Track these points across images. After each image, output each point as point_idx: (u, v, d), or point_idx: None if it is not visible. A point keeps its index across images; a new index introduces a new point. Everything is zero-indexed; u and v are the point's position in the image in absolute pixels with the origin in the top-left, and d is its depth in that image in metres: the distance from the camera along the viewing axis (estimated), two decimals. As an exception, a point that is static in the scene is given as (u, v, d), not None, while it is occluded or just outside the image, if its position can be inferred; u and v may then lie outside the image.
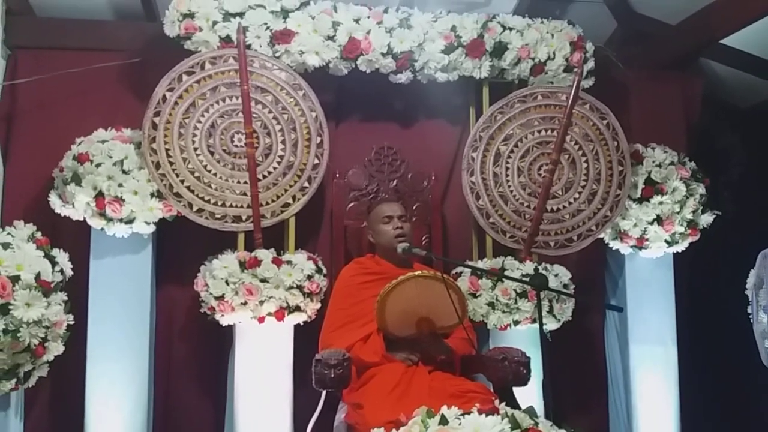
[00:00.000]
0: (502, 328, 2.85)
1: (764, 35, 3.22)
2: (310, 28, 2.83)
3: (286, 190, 2.82)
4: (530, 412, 1.69)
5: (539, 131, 3.03)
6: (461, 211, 3.11)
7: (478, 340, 2.69)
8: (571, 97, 3.01)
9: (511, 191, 3.00)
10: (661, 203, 3.05)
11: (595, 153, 3.05)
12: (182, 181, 2.71)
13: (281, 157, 2.81)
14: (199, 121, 2.74)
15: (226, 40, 2.78)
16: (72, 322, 2.35)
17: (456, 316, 2.37)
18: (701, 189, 3.13)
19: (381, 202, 2.87)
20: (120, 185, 2.63)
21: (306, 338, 2.73)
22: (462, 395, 2.20)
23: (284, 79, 2.83)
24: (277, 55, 2.83)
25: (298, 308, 2.69)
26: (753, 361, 2.77)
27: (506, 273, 2.82)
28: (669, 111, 3.47)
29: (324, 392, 2.36)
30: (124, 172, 2.66)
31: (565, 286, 2.93)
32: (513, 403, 2.18)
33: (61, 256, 2.36)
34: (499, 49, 3.00)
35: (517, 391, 2.39)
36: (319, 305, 2.76)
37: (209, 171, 2.74)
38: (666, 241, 3.08)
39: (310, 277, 2.70)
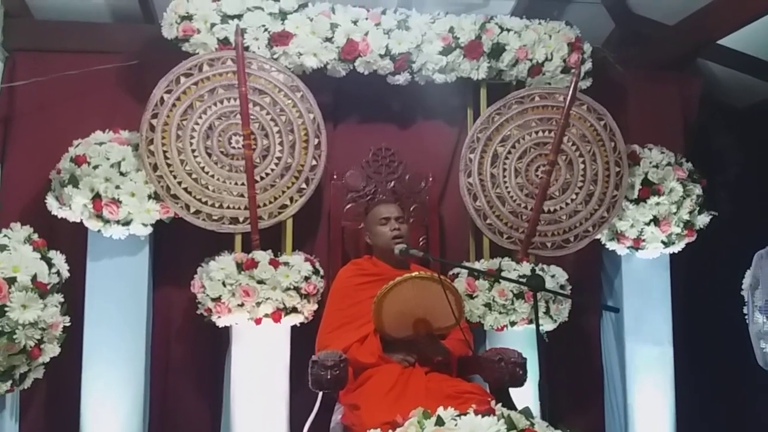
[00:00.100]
0: (498, 329, 2.85)
1: (761, 36, 3.22)
2: (308, 30, 2.84)
3: (283, 192, 2.82)
4: (526, 412, 1.69)
5: (536, 132, 3.03)
6: (458, 212, 3.12)
7: (474, 341, 2.70)
8: (569, 98, 3.01)
9: (509, 192, 3.00)
10: (657, 204, 3.05)
11: (593, 154, 3.05)
12: (179, 183, 2.72)
13: (279, 158, 2.81)
14: (197, 123, 2.75)
15: (224, 42, 2.79)
16: (68, 324, 2.35)
17: (453, 318, 2.37)
18: (698, 190, 3.13)
19: (378, 203, 2.88)
20: (117, 187, 2.64)
21: (303, 339, 2.73)
22: (458, 396, 2.21)
23: (282, 80, 2.83)
24: (275, 56, 2.83)
25: (295, 310, 2.69)
26: (749, 361, 2.78)
27: (503, 274, 2.83)
28: (666, 112, 3.47)
29: (321, 393, 2.36)
30: (121, 174, 2.66)
31: (562, 287, 2.93)
32: (509, 404, 2.20)
33: (58, 258, 2.37)
34: (497, 51, 3.01)
35: (514, 392, 2.39)
36: (316, 306, 2.77)
37: (207, 173, 2.75)
38: (663, 242, 3.09)
39: (307, 279, 2.70)
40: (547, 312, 2.88)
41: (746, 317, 2.80)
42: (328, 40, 2.85)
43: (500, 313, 2.84)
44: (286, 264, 2.69)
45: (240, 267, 2.63)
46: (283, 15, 2.83)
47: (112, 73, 2.98)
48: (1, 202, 2.90)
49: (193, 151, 2.74)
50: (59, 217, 2.70)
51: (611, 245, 3.16)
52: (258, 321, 2.64)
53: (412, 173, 3.08)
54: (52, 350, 2.28)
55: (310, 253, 2.90)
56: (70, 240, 2.72)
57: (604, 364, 3.39)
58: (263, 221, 2.79)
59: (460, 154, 3.04)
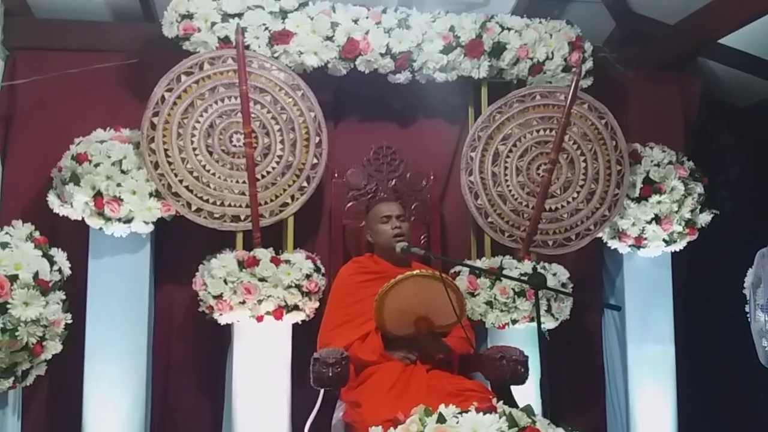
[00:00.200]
0: (500, 327, 2.85)
1: (762, 35, 3.22)
2: (309, 29, 2.84)
3: (284, 190, 2.83)
4: (528, 410, 1.69)
5: (538, 131, 3.03)
6: (460, 210, 3.12)
7: (476, 339, 2.70)
8: (570, 96, 3.01)
9: (510, 191, 3.00)
10: (659, 202, 3.05)
11: (594, 152, 3.05)
12: (181, 181, 2.72)
13: (280, 156, 2.82)
14: (198, 121, 2.75)
15: (224, 41, 2.79)
16: (70, 321, 2.36)
17: (454, 315, 2.37)
18: (699, 188, 3.13)
19: (379, 201, 2.88)
20: (118, 185, 2.64)
21: (304, 337, 2.73)
22: (460, 394, 2.21)
23: (283, 79, 2.83)
24: (275, 55, 2.84)
25: (296, 307, 2.69)
26: (751, 360, 2.78)
27: (505, 272, 2.83)
28: (667, 110, 3.47)
29: (322, 391, 2.36)
30: (122, 171, 2.66)
31: (564, 285, 2.93)
32: (511, 402, 2.19)
33: (60, 256, 2.37)
34: (498, 49, 3.01)
35: (515, 390, 2.39)
36: (317, 304, 2.77)
37: (208, 171, 2.75)
38: (664, 241, 3.09)
39: (308, 276, 2.70)
40: (548, 310, 2.88)
41: (748, 315, 2.80)
42: (329, 38, 2.85)
43: (502, 311, 2.84)
44: (287, 262, 2.69)
45: (241, 265, 2.64)
46: (283, 14, 2.83)
47: (112, 71, 2.98)
48: (3, 199, 2.90)
49: (195, 149, 2.74)
50: (61, 214, 2.70)
51: (613, 243, 3.16)
52: (259, 318, 2.65)
53: (413, 171, 3.08)
54: (54, 347, 2.29)
55: (312, 251, 2.90)
56: (71, 238, 2.73)
57: (606, 362, 3.39)
58: (264, 219, 2.80)
59: (461, 152, 3.04)
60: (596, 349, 3.38)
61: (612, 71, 3.33)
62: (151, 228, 2.74)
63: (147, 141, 2.69)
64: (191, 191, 2.73)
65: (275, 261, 2.67)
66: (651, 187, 3.07)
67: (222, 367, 2.93)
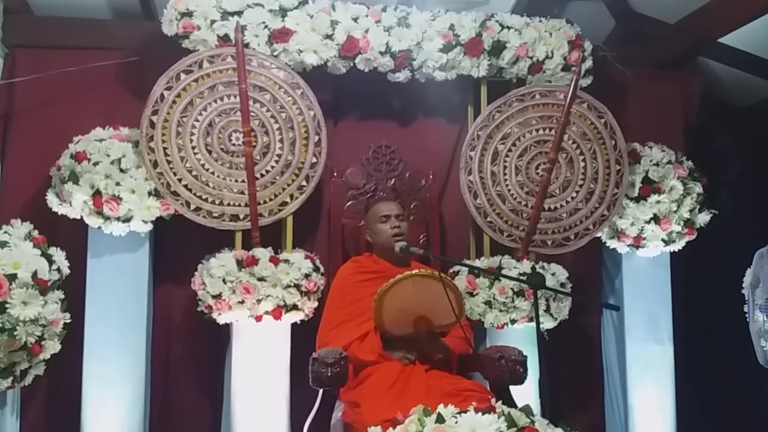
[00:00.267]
0: (499, 327, 2.85)
1: (762, 34, 3.22)
2: (309, 27, 2.83)
3: (283, 189, 2.82)
4: (527, 410, 1.70)
5: (537, 130, 3.03)
6: (459, 209, 3.11)
7: (475, 339, 2.70)
8: (569, 95, 3.01)
9: (509, 190, 3.00)
10: (658, 202, 3.05)
11: (593, 152, 3.05)
12: (180, 180, 2.71)
13: (279, 155, 2.81)
14: (197, 120, 2.74)
15: (224, 39, 2.78)
16: (69, 321, 2.36)
17: (453, 315, 2.37)
18: (698, 188, 3.14)
19: (378, 201, 2.88)
20: (117, 184, 2.63)
21: (303, 337, 2.73)
22: (459, 394, 2.21)
23: (282, 77, 2.83)
24: (275, 53, 2.83)
25: (295, 307, 2.69)
26: (749, 360, 2.78)
27: (503, 272, 2.83)
28: (667, 110, 3.47)
29: (321, 390, 2.36)
30: (121, 170, 2.66)
31: (562, 284, 2.93)
32: (509, 402, 2.20)
33: (58, 255, 2.37)
34: (498, 48, 3.00)
35: (514, 390, 2.39)
36: (316, 304, 2.77)
37: (207, 170, 2.74)
38: (663, 240, 3.09)
39: (307, 276, 2.70)
40: (547, 310, 2.88)
41: (747, 315, 2.80)
42: (329, 37, 2.85)
43: (501, 310, 2.84)
44: (286, 261, 2.69)
45: (240, 264, 2.63)
46: (283, 12, 2.82)
47: (112, 69, 2.97)
48: (2, 198, 2.90)
49: (194, 148, 2.74)
50: (59, 213, 2.69)
51: (612, 243, 3.16)
52: (258, 318, 2.65)
53: (412, 171, 3.07)
54: (52, 347, 2.29)
55: (311, 251, 2.90)
56: (70, 237, 2.73)
57: (605, 362, 3.39)
58: (263, 218, 2.79)
59: (460, 151, 3.03)
60: (595, 349, 3.39)
61: (612, 70, 3.33)
62: (149, 227, 2.74)
63: (146, 139, 2.68)
64: (190, 190, 2.72)
65: (274, 260, 2.67)
66: (650, 187, 3.07)
67: (221, 367, 2.92)
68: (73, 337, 2.56)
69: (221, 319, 2.68)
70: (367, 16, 2.89)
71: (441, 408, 1.67)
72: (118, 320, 2.72)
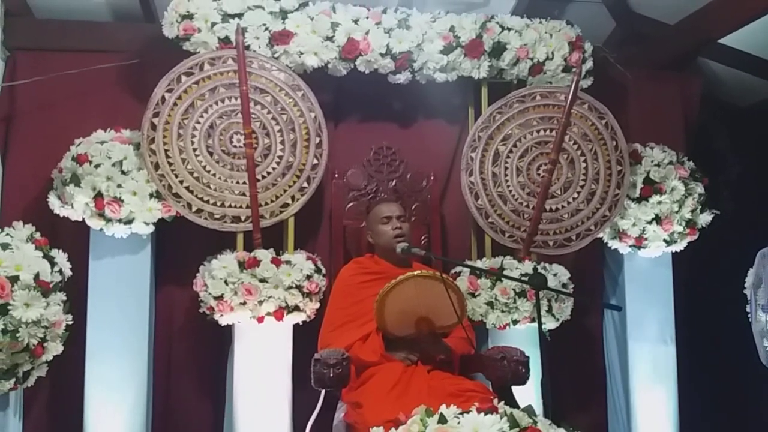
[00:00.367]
0: (501, 328, 2.85)
1: (762, 35, 3.22)
2: (309, 29, 2.84)
3: (285, 191, 2.82)
4: (529, 411, 1.69)
5: (538, 131, 3.03)
6: (460, 210, 3.12)
7: (477, 340, 2.69)
8: (570, 96, 3.01)
9: (510, 191, 3.00)
10: (659, 203, 3.05)
11: (594, 153, 3.05)
12: (181, 182, 2.72)
13: (280, 157, 2.81)
14: (198, 122, 2.75)
15: (224, 41, 2.79)
16: (71, 322, 2.36)
17: (455, 316, 2.37)
18: (700, 188, 3.13)
19: (380, 202, 2.88)
20: (119, 186, 2.64)
21: (305, 338, 2.73)
22: (461, 394, 2.21)
23: (283, 79, 2.83)
24: (275, 55, 2.83)
25: (297, 308, 2.69)
26: (751, 360, 2.78)
27: (505, 272, 2.83)
28: (667, 111, 3.47)
29: (323, 391, 2.35)
30: (123, 172, 2.66)
31: (564, 285, 2.93)
32: (512, 402, 2.19)
33: (60, 257, 2.37)
34: (498, 50, 3.01)
35: (516, 390, 2.39)
36: (318, 305, 2.77)
37: (208, 171, 2.75)
38: (665, 241, 3.09)
39: (309, 277, 2.70)
40: (549, 310, 2.88)
41: (749, 316, 2.80)
42: (329, 39, 2.85)
43: (502, 311, 2.84)
44: (288, 262, 2.69)
45: (242, 266, 2.63)
46: (283, 14, 2.83)
47: (113, 72, 2.98)
48: (4, 201, 2.90)
49: (195, 149, 2.74)
50: (61, 215, 2.70)
51: (613, 244, 3.16)
52: (260, 319, 2.65)
53: (413, 172, 3.08)
54: (55, 348, 2.29)
55: (312, 252, 2.90)
56: (72, 238, 2.73)
57: (607, 362, 3.39)
58: (265, 220, 2.79)
59: (461, 152, 3.03)
60: (597, 350, 3.38)
61: (612, 71, 3.33)
62: (151, 229, 2.74)
63: (147, 142, 2.69)
64: (192, 192, 2.73)
65: (276, 262, 2.67)
66: (651, 188, 3.07)
67: (223, 368, 2.92)
68: (76, 338, 2.56)
69: (223, 321, 2.68)
70: (367, 18, 2.89)
71: (443, 408, 1.67)
72: (120, 322, 2.73)
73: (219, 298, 2.62)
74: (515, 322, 2.85)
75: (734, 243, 3.21)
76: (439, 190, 3.13)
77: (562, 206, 3.02)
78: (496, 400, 1.88)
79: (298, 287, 2.67)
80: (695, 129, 3.54)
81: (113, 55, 2.97)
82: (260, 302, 2.62)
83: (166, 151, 2.71)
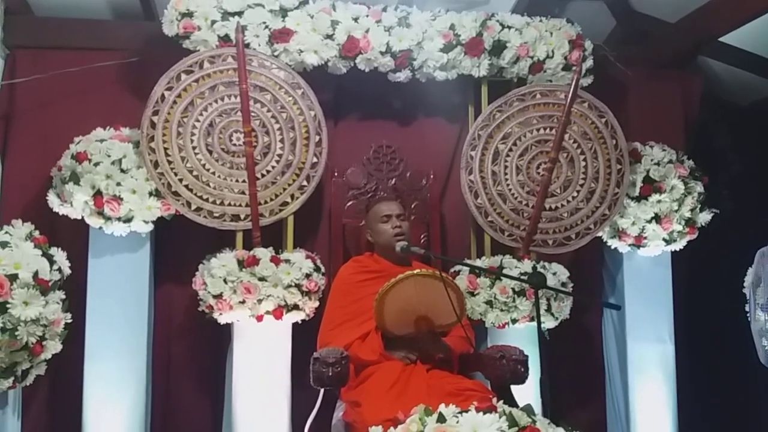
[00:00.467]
0: (500, 327, 2.85)
1: (763, 33, 3.22)
2: (309, 27, 2.84)
3: (284, 189, 2.82)
4: (528, 410, 1.69)
5: (538, 129, 3.03)
6: (460, 209, 3.11)
7: (476, 339, 2.69)
8: (570, 95, 3.01)
9: (510, 190, 3.00)
10: (659, 201, 3.05)
11: (594, 151, 3.05)
12: (180, 180, 2.72)
13: (280, 155, 2.81)
14: (198, 120, 2.74)
15: (224, 39, 2.79)
16: (70, 321, 2.36)
17: (454, 315, 2.37)
18: (699, 187, 3.13)
19: (379, 200, 2.87)
20: (118, 184, 2.64)
21: (304, 336, 2.73)
22: (460, 393, 2.21)
23: (283, 77, 2.83)
24: (275, 54, 2.83)
25: (296, 307, 2.69)
26: (751, 359, 2.78)
27: (504, 271, 2.83)
28: (668, 109, 3.47)
29: (322, 390, 2.36)
30: (122, 170, 2.66)
31: (564, 284, 2.93)
32: (511, 401, 2.19)
33: (59, 255, 2.37)
34: (498, 48, 3.00)
35: (515, 389, 2.39)
36: (317, 304, 2.77)
37: (208, 170, 2.75)
38: (664, 240, 3.09)
39: (308, 276, 2.70)
40: (548, 309, 2.88)
41: (748, 315, 2.80)
42: (329, 37, 2.85)
43: (502, 310, 2.84)
44: (287, 261, 2.69)
45: (241, 264, 2.63)
46: (283, 12, 2.82)
47: (112, 70, 2.98)
48: (3, 199, 2.90)
49: (194, 148, 2.74)
50: (60, 214, 2.70)
51: (613, 243, 3.16)
52: (259, 318, 2.65)
53: (413, 170, 3.07)
54: (53, 347, 2.29)
55: (312, 251, 2.90)
56: (71, 237, 2.73)
57: (606, 361, 3.39)
58: (264, 218, 2.79)
59: (461, 151, 3.03)
60: (596, 349, 3.38)
61: (612, 70, 3.33)
62: (150, 227, 2.74)
63: (147, 140, 2.69)
64: (191, 190, 2.73)
65: (275, 260, 2.67)
66: (651, 186, 3.07)
67: (222, 367, 2.92)
68: (74, 337, 2.56)
69: (222, 319, 2.68)
70: (367, 16, 2.89)
71: (442, 407, 1.67)
72: (119, 320, 2.73)
73: (218, 296, 2.62)
74: (514, 321, 2.85)
75: (734, 242, 3.21)
76: (438, 189, 3.13)
77: (562, 205, 3.02)
78: (495, 399, 1.88)
79: (298, 286, 2.67)
80: (695, 128, 3.54)
81: (113, 53, 2.97)
82: (259, 301, 2.63)
83: (165, 149, 2.71)
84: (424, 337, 2.45)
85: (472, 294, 2.86)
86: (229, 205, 2.76)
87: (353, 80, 2.99)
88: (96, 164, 2.63)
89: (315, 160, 2.84)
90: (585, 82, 3.10)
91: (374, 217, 2.75)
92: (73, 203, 2.64)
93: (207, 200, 2.74)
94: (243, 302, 2.62)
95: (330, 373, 2.23)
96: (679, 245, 3.14)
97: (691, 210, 3.09)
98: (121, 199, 2.63)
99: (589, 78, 3.12)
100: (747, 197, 3.65)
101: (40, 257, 2.25)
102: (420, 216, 3.03)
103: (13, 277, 2.14)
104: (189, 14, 2.75)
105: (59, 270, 2.32)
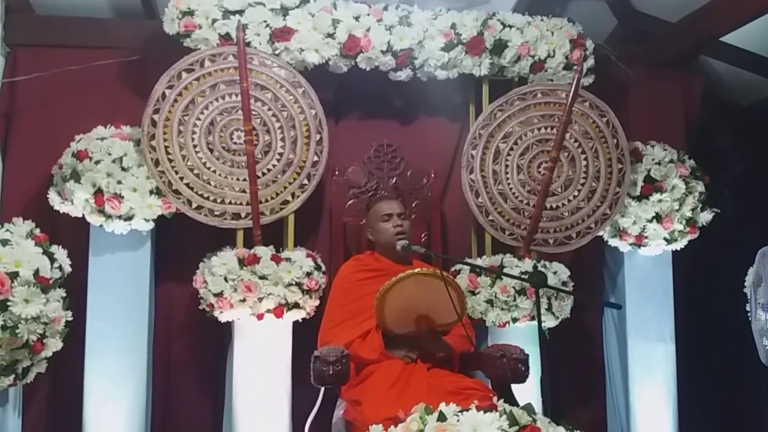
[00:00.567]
0: (500, 326, 2.85)
1: (764, 33, 3.22)
2: (310, 26, 2.83)
3: (285, 188, 2.82)
4: (528, 408, 1.69)
5: (539, 129, 3.03)
6: (460, 208, 3.11)
7: (476, 337, 2.69)
8: (571, 94, 3.01)
9: (511, 189, 3.00)
10: (660, 201, 3.05)
11: (595, 150, 3.05)
12: (181, 179, 2.72)
13: (280, 154, 2.81)
14: (199, 119, 2.74)
15: (225, 38, 2.79)
16: (70, 319, 2.36)
17: (455, 314, 2.37)
18: (700, 187, 3.13)
19: (380, 199, 2.87)
20: (119, 182, 2.64)
21: (305, 335, 2.73)
22: (460, 392, 2.21)
23: (284, 76, 2.83)
24: (276, 52, 2.83)
25: (296, 305, 2.69)
26: (751, 358, 2.78)
27: (505, 270, 2.83)
28: (669, 109, 3.47)
29: (322, 389, 2.36)
30: (123, 169, 2.66)
31: (564, 283, 2.93)
32: (511, 400, 2.20)
33: (60, 253, 2.37)
34: (499, 47, 3.00)
35: (516, 388, 2.39)
36: (317, 302, 2.77)
37: (208, 168, 2.75)
38: (665, 239, 3.09)
39: (309, 274, 2.70)
40: (549, 308, 2.88)
41: (749, 314, 2.79)
42: (330, 36, 2.85)
43: (502, 309, 2.84)
44: (288, 260, 2.69)
45: (242, 262, 2.64)
46: (284, 11, 2.82)
47: (113, 68, 2.98)
48: (4, 197, 2.90)
49: (195, 146, 2.74)
50: (61, 212, 2.70)
51: (613, 242, 3.16)
52: (260, 316, 2.65)
53: (413, 169, 3.07)
54: (54, 345, 2.29)
55: (312, 249, 2.90)
56: (72, 235, 2.73)
57: (606, 360, 3.39)
58: (265, 217, 2.79)
59: (462, 150, 3.03)
60: (596, 348, 3.38)
61: (613, 69, 3.32)
62: (151, 225, 2.74)
63: (147, 138, 2.69)
64: (192, 189, 2.73)
65: (276, 259, 2.67)
66: (652, 186, 3.06)
67: (222, 365, 2.92)
68: (75, 335, 2.56)
69: (223, 318, 2.68)
70: (368, 14, 2.89)
71: (442, 406, 1.67)
72: (120, 318, 2.73)
73: (219, 294, 2.62)
74: (515, 320, 2.85)
75: (734, 242, 3.21)
76: (439, 188, 3.13)
77: (563, 204, 3.02)
78: (495, 398, 1.88)
79: (298, 284, 2.67)
80: (696, 127, 3.54)
81: (114, 52, 2.97)
82: (260, 299, 2.63)
83: (166, 147, 2.71)
84: (425, 335, 2.45)
85: (473, 293, 2.86)
86: (230, 203, 2.76)
87: (354, 79, 2.99)
88: (97, 162, 2.63)
89: (316, 158, 2.84)
90: (586, 81, 3.10)
91: (375, 216, 2.75)
92: (73, 201, 2.65)
93: (208, 199, 2.74)
94: (243, 300, 2.62)
95: (330, 372, 2.23)
96: (680, 245, 3.14)
97: (692, 209, 3.09)
98: (122, 197, 2.63)
99: (590, 77, 3.12)
100: (748, 197, 3.64)
101: (41, 255, 2.25)
102: (421, 215, 3.03)
103: (13, 275, 2.14)
104: (190, 13, 2.75)
105: (60, 268, 2.32)
